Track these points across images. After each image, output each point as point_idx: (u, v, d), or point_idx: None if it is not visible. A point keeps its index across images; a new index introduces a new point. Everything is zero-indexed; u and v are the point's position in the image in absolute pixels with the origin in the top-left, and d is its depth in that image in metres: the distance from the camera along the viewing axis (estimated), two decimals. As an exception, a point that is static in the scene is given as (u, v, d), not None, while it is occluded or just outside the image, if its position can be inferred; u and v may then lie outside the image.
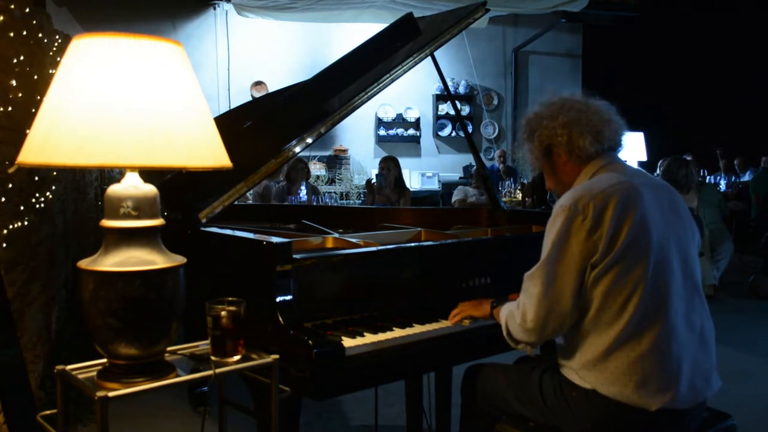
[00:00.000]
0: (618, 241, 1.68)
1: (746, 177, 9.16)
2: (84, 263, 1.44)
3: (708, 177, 8.64)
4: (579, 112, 1.85)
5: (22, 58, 2.96)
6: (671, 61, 11.38)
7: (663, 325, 1.70)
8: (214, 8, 8.69)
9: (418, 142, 9.73)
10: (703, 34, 11.16)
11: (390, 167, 6.02)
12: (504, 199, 6.90)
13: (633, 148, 7.00)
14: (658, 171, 5.77)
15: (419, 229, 2.70)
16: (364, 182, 8.61)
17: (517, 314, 1.80)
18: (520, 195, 7.01)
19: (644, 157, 7.50)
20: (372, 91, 2.49)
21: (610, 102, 1.92)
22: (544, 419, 1.89)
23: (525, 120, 1.97)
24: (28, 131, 1.41)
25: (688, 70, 11.36)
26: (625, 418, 1.71)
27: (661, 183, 1.92)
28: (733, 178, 9.12)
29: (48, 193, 3.48)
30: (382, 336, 1.90)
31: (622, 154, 1.96)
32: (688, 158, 6.01)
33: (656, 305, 1.71)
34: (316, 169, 8.56)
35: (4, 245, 2.60)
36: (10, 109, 2.73)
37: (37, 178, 3.25)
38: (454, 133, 9.84)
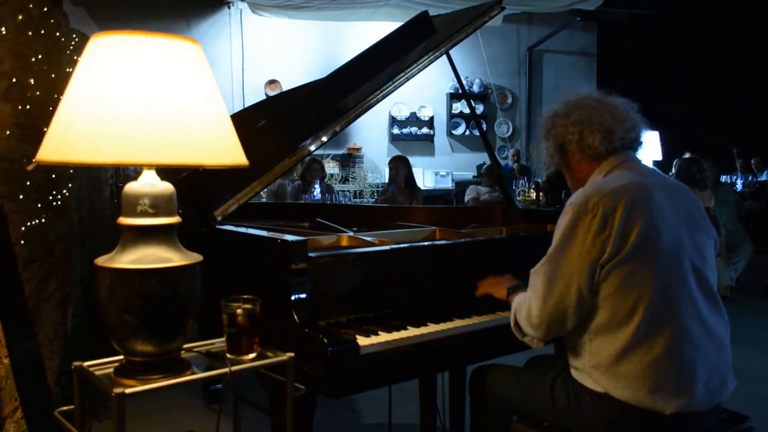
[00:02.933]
0: (627, 242, 1.66)
1: (763, 176, 9.06)
2: (101, 260, 1.45)
3: (724, 176, 8.56)
4: (592, 111, 1.84)
5: (40, 56, 2.98)
6: (687, 60, 11.28)
7: (675, 328, 1.67)
8: (229, 7, 8.72)
9: (432, 141, 9.72)
10: (719, 32, 11.05)
11: (399, 167, 5.96)
12: (518, 198, 6.87)
13: (648, 148, 6.95)
14: (672, 170, 5.72)
15: (434, 227, 2.70)
16: (377, 181, 8.63)
17: (524, 307, 1.80)
18: (534, 194, 6.98)
19: (659, 156, 7.45)
20: (387, 90, 2.48)
21: (631, 99, 1.90)
22: (555, 423, 1.87)
23: (542, 118, 1.97)
24: (45, 129, 1.42)
25: (705, 68, 11.26)
26: (639, 422, 1.69)
27: (677, 184, 1.89)
28: (750, 178, 9.03)
29: (64, 191, 3.50)
30: (396, 335, 1.89)
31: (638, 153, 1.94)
32: (695, 156, 5.95)
33: (667, 307, 1.68)
34: (330, 167, 8.58)
35: (22, 242, 2.62)
36: (28, 107, 2.76)
37: (54, 176, 3.28)
38: (467, 132, 9.82)
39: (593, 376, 1.74)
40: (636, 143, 1.89)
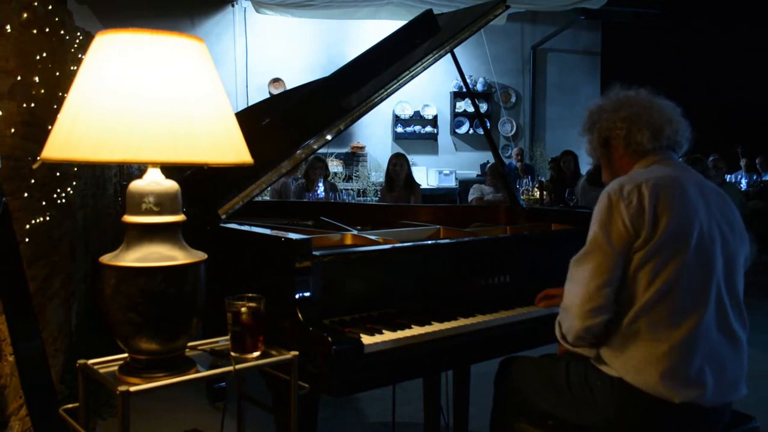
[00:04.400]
0: (658, 229, 1.69)
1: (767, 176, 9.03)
2: (106, 258, 1.45)
3: (729, 176, 8.53)
4: (641, 108, 1.87)
5: (44, 54, 2.98)
6: (691, 58, 11.25)
7: (696, 324, 1.69)
8: (233, 5, 8.72)
9: (436, 140, 9.72)
10: (723, 31, 11.02)
11: (404, 164, 5.99)
12: (522, 197, 6.86)
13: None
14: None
15: (438, 226, 2.69)
16: (381, 179, 8.62)
17: (563, 304, 1.81)
18: (538, 193, 6.97)
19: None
20: (391, 89, 2.48)
21: (676, 103, 1.93)
22: (569, 410, 1.89)
23: (587, 112, 2.00)
24: (50, 127, 1.42)
25: (708, 67, 11.23)
26: (649, 409, 1.71)
27: (714, 188, 1.90)
28: (755, 177, 9.00)
29: (69, 189, 3.51)
30: (400, 333, 1.89)
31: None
32: (699, 155, 5.90)
33: (691, 302, 1.70)
34: (334, 166, 8.58)
35: (27, 240, 2.62)
36: (32, 105, 2.76)
37: (58, 174, 3.28)
38: (471, 131, 9.81)
39: (607, 359, 1.76)
40: (679, 146, 1.93)
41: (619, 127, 1.88)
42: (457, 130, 9.78)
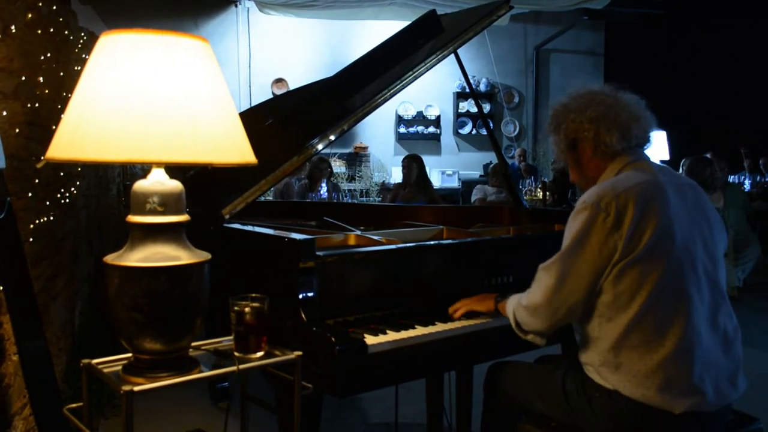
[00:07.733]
0: (641, 241, 1.66)
1: (771, 177, 9.01)
2: (110, 258, 1.45)
3: (732, 177, 8.52)
4: (608, 107, 1.82)
5: (48, 54, 2.99)
6: (695, 59, 11.23)
7: (686, 328, 1.67)
8: (236, 5, 8.74)
9: (439, 140, 9.72)
10: (727, 31, 11.00)
11: (411, 165, 5.98)
12: (525, 198, 6.86)
13: (656, 147, 6.90)
14: (680, 170, 5.69)
15: (441, 227, 2.69)
16: (384, 180, 8.63)
17: (525, 303, 1.82)
18: (541, 193, 6.97)
19: (667, 156, 7.42)
20: (394, 89, 2.48)
21: (640, 96, 1.88)
22: (567, 419, 1.87)
23: (552, 111, 1.95)
24: (54, 127, 1.42)
25: (713, 67, 11.20)
26: (649, 420, 1.69)
27: (688, 182, 1.88)
28: (758, 178, 8.98)
29: (72, 189, 3.51)
30: (404, 334, 1.89)
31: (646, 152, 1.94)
32: (708, 156, 5.92)
33: (678, 307, 1.69)
34: (337, 166, 8.59)
35: (31, 240, 2.63)
36: (37, 105, 2.76)
37: (62, 174, 3.29)
38: (474, 131, 9.81)
39: (602, 373, 1.74)
40: (646, 141, 1.89)
41: (586, 128, 1.83)
42: (460, 131, 9.79)
